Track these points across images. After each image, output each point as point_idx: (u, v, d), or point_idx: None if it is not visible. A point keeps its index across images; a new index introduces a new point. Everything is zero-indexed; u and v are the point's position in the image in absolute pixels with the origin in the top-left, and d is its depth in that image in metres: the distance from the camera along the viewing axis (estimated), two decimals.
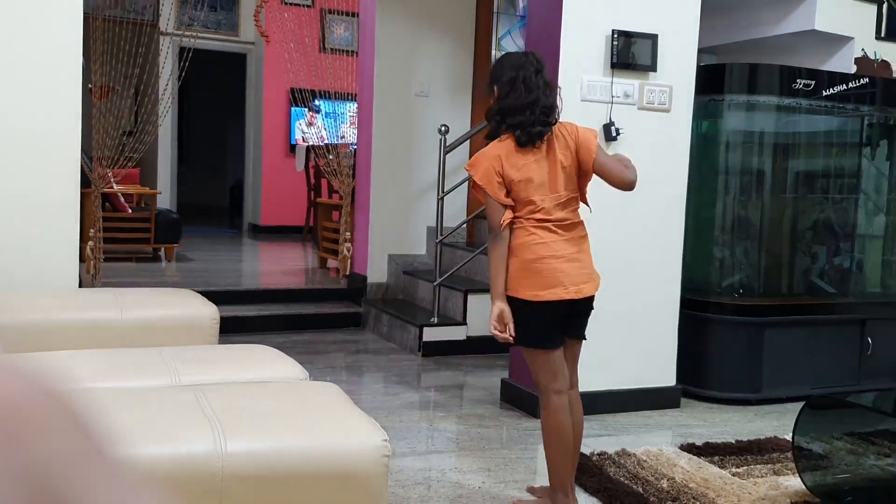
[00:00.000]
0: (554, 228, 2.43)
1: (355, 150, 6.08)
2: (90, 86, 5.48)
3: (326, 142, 6.68)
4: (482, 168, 2.41)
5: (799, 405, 2.92)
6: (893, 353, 4.45)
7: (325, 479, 1.34)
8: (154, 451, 1.30)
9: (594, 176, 2.49)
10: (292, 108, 9.54)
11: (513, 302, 2.45)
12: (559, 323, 2.48)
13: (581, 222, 2.52)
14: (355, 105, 6.14)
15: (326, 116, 7.15)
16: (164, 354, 2.01)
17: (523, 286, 2.42)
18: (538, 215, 2.42)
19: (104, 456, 0.38)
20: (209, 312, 2.56)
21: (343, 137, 6.76)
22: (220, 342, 2.66)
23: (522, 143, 2.39)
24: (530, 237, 2.42)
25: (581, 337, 2.59)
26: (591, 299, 2.52)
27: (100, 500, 0.36)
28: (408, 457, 3.09)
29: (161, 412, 1.42)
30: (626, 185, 2.48)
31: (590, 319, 2.60)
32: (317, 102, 6.89)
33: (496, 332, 2.46)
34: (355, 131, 6.20)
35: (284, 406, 1.51)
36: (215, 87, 11.51)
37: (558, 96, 2.49)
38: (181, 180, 9.82)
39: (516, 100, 2.38)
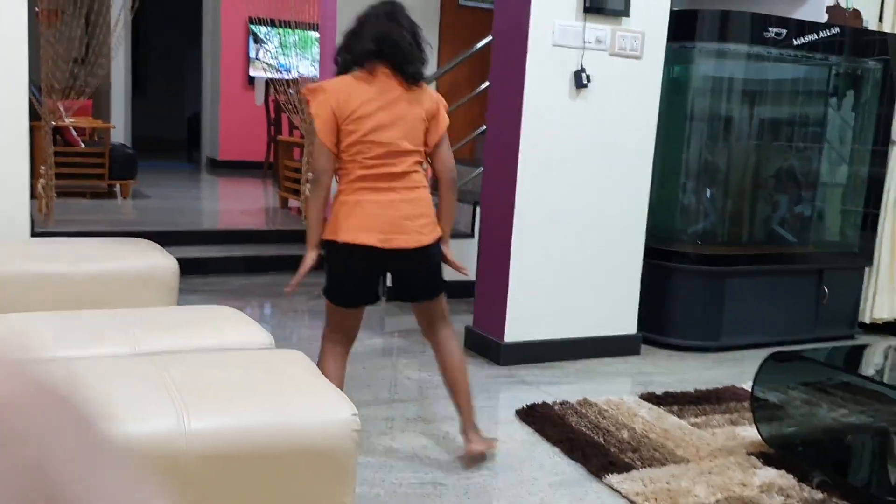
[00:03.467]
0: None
1: None
2: (36, 9, 5.19)
3: (286, 77, 6.47)
4: (319, 100, 2.34)
5: (756, 353, 2.97)
6: (848, 302, 4.55)
7: (293, 456, 1.31)
8: (115, 429, 1.25)
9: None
10: (250, 38, 9.22)
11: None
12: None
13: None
14: (317, 35, 5.94)
15: (286, 48, 6.91)
16: (122, 318, 1.94)
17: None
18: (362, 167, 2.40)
19: (106, 454, 0.39)
20: (169, 265, 2.48)
21: (298, 71, 6.55)
22: (181, 284, 2.59)
23: (409, 74, 2.37)
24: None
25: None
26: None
27: (101, 500, 0.37)
28: (371, 406, 3.09)
29: (121, 386, 1.37)
30: (452, 172, 2.60)
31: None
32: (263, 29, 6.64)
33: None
34: (317, 64, 6.02)
35: (249, 378, 1.47)
36: (171, 15, 11.07)
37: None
38: (136, 112, 9.49)
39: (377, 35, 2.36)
